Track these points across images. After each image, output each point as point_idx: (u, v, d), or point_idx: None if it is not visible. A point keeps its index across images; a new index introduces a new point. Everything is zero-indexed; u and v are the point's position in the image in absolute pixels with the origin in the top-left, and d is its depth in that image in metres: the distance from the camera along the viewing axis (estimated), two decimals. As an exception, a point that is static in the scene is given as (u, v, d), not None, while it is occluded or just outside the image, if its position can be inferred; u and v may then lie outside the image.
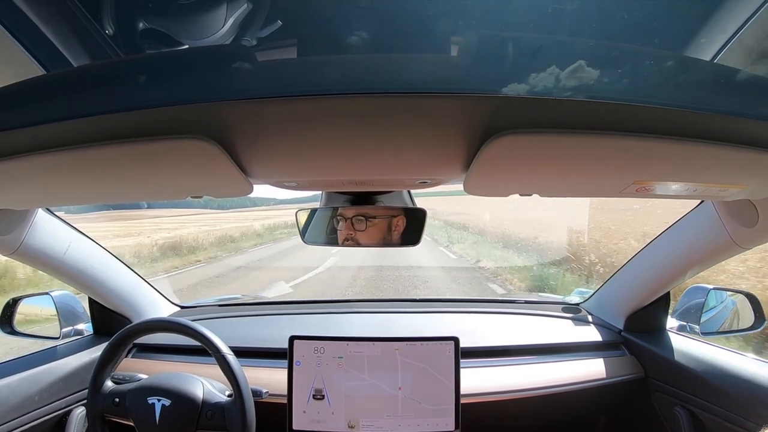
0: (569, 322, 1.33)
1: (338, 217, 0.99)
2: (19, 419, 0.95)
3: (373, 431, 1.01)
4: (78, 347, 1.17)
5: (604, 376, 1.13)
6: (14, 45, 0.35)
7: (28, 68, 0.36)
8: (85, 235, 1.14)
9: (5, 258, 0.97)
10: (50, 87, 0.38)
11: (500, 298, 1.59)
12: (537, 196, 0.65)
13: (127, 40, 0.35)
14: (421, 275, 7.13)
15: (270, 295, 6.00)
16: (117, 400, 0.91)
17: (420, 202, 1.01)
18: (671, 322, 1.21)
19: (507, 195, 0.65)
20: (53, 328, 1.18)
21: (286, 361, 1.04)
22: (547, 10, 0.32)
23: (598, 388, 1.12)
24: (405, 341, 1.03)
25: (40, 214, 0.97)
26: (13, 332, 1.14)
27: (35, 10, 0.34)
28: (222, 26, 0.33)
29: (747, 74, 0.36)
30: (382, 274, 7.25)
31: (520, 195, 0.65)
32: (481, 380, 1.09)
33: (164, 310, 1.42)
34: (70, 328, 1.21)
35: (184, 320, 0.93)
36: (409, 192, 1.01)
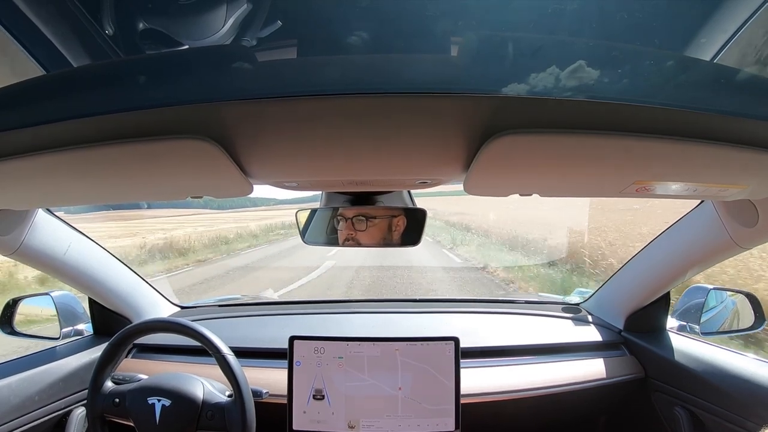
0: (569, 322, 1.33)
1: (338, 218, 0.99)
2: (19, 419, 0.95)
3: (373, 431, 1.01)
4: (78, 347, 1.17)
5: (604, 376, 1.13)
6: (14, 45, 0.35)
7: (28, 68, 0.36)
8: (85, 235, 1.14)
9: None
10: (50, 87, 0.38)
11: (500, 298, 1.59)
12: (537, 196, 0.65)
13: (127, 40, 0.35)
14: (425, 282, 6.63)
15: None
16: (117, 400, 0.91)
17: (420, 203, 1.01)
18: (671, 322, 1.21)
19: (507, 195, 0.65)
20: (53, 329, 1.18)
21: (286, 362, 1.04)
22: (547, 10, 0.32)
23: (598, 388, 1.12)
24: (405, 341, 1.03)
25: (40, 215, 0.97)
26: (13, 332, 1.14)
27: (35, 10, 0.34)
28: (222, 26, 0.33)
29: (747, 74, 0.36)
30: (382, 280, 6.90)
31: (520, 195, 0.65)
32: (481, 380, 1.09)
33: (164, 310, 1.42)
34: (70, 328, 1.21)
35: (184, 320, 0.93)
36: (409, 192, 1.01)
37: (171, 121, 0.41)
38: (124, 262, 1.28)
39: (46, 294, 1.19)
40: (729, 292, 1.18)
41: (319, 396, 1.02)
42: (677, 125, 0.41)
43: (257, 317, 1.39)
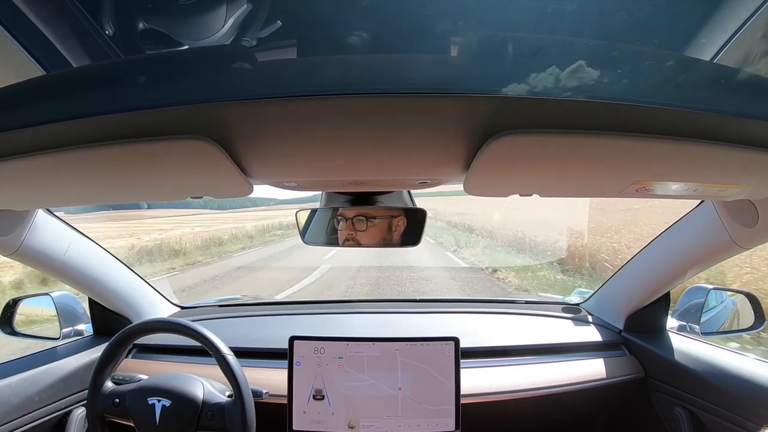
0: (569, 322, 1.33)
1: (338, 218, 0.99)
2: (19, 419, 0.95)
3: (373, 431, 1.01)
4: (78, 348, 1.17)
5: (604, 376, 1.13)
6: (14, 45, 0.35)
7: (28, 68, 0.36)
8: (85, 235, 1.14)
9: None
10: (50, 87, 0.38)
11: (500, 298, 1.59)
12: (537, 196, 0.65)
13: (127, 40, 0.35)
14: (429, 290, 6.11)
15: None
16: (117, 400, 0.91)
17: (419, 203, 1.02)
18: (671, 322, 1.21)
19: (507, 195, 0.65)
20: (53, 329, 1.18)
21: (286, 362, 1.04)
22: (547, 10, 0.32)
23: (598, 388, 1.12)
24: (405, 341, 1.03)
25: (40, 215, 0.97)
26: (13, 333, 1.14)
27: (35, 10, 0.34)
28: (222, 26, 0.33)
29: (747, 74, 0.36)
30: (382, 288, 6.41)
31: (520, 195, 0.65)
32: (481, 380, 1.09)
33: (164, 310, 1.42)
34: (70, 328, 1.21)
35: (184, 321, 0.93)
36: (409, 192, 1.01)
37: (171, 121, 0.41)
38: (124, 262, 1.28)
39: (46, 294, 1.19)
40: (729, 292, 1.18)
41: (319, 396, 1.02)
42: (677, 125, 0.41)
43: (257, 317, 1.39)
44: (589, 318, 1.35)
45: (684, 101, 0.35)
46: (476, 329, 1.26)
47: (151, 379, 0.94)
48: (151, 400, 0.89)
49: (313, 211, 1.04)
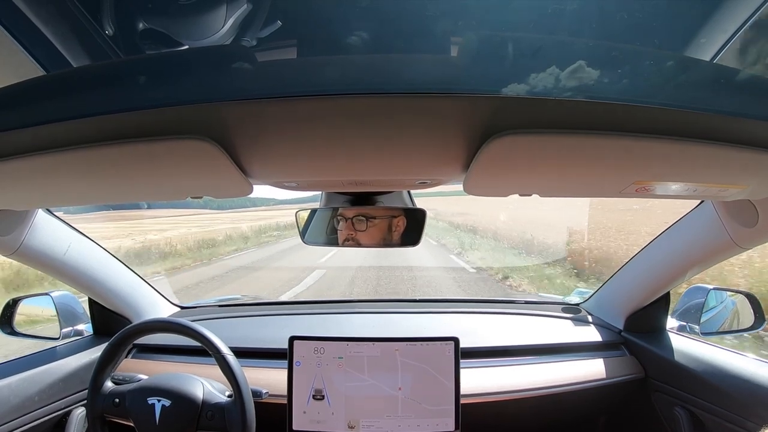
0: (569, 322, 1.33)
1: (338, 218, 0.99)
2: (19, 419, 0.95)
3: (373, 431, 1.01)
4: (78, 348, 1.17)
5: (604, 376, 1.13)
6: (14, 45, 0.35)
7: (28, 68, 0.36)
8: (85, 235, 1.14)
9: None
10: (50, 87, 0.38)
11: (500, 298, 1.59)
12: (536, 196, 0.65)
13: (127, 40, 0.35)
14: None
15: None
16: (117, 400, 0.91)
17: (419, 203, 1.02)
18: (671, 323, 1.21)
19: (507, 195, 0.65)
20: (53, 329, 1.18)
21: (286, 362, 1.03)
22: (547, 11, 0.32)
23: (598, 388, 1.12)
24: (405, 341, 1.03)
25: (40, 215, 0.97)
26: (13, 333, 1.14)
27: (35, 10, 0.34)
28: (222, 26, 0.33)
29: (747, 74, 0.36)
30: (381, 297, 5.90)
31: (520, 195, 0.65)
32: (481, 380, 1.09)
33: (164, 310, 1.42)
34: (70, 328, 1.21)
35: (184, 321, 0.93)
36: (409, 192, 1.01)
37: (171, 121, 0.41)
38: (124, 262, 1.28)
39: (46, 294, 1.19)
40: (729, 293, 1.18)
41: (318, 396, 1.02)
42: (677, 125, 0.41)
43: (257, 317, 1.39)
44: (589, 318, 1.35)
45: (684, 101, 0.35)
46: (476, 329, 1.26)
47: (151, 379, 0.94)
48: (151, 400, 0.89)
49: (313, 211, 1.04)
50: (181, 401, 0.89)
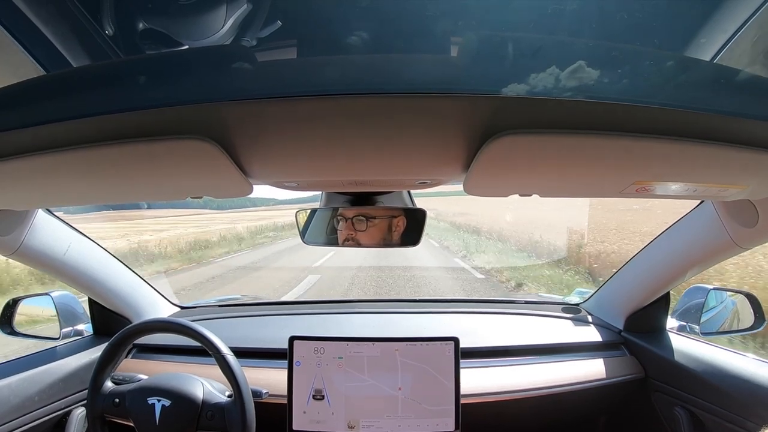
0: (569, 322, 1.33)
1: (338, 218, 0.99)
2: (19, 419, 0.95)
3: (373, 431, 1.01)
4: (78, 348, 1.17)
5: (604, 376, 1.13)
6: (14, 45, 0.35)
7: (28, 68, 0.36)
8: (85, 235, 1.14)
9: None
10: (50, 87, 0.38)
11: (500, 299, 1.59)
12: (537, 196, 0.65)
13: (127, 40, 0.35)
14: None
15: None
16: (117, 400, 0.91)
17: (419, 203, 1.02)
18: (671, 323, 1.21)
19: (507, 195, 0.65)
20: (53, 329, 1.18)
21: (286, 362, 1.03)
22: (547, 11, 0.32)
23: (598, 388, 1.12)
24: (405, 341, 1.03)
25: (40, 215, 0.97)
26: (13, 333, 1.14)
27: (35, 10, 0.34)
28: (222, 26, 0.33)
29: (747, 74, 0.36)
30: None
31: (520, 195, 0.65)
32: (481, 380, 1.09)
33: (164, 310, 1.42)
34: (70, 328, 1.21)
35: (184, 321, 0.93)
36: (409, 192, 1.01)
37: (171, 121, 0.41)
38: (124, 262, 1.28)
39: (46, 294, 1.19)
40: (729, 293, 1.18)
41: (318, 396, 1.02)
42: (677, 125, 0.41)
43: (257, 317, 1.39)
44: (589, 318, 1.35)
45: (684, 101, 0.35)
46: (476, 329, 1.26)
47: (151, 379, 0.94)
48: (151, 400, 0.89)
49: (313, 211, 1.04)
50: (181, 401, 0.89)
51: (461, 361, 1.02)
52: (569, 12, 0.33)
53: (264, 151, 0.50)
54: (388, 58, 0.35)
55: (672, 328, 1.20)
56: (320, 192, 1.00)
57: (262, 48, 0.34)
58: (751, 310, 1.10)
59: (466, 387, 1.03)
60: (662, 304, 1.19)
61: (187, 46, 0.35)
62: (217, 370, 0.90)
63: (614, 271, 1.31)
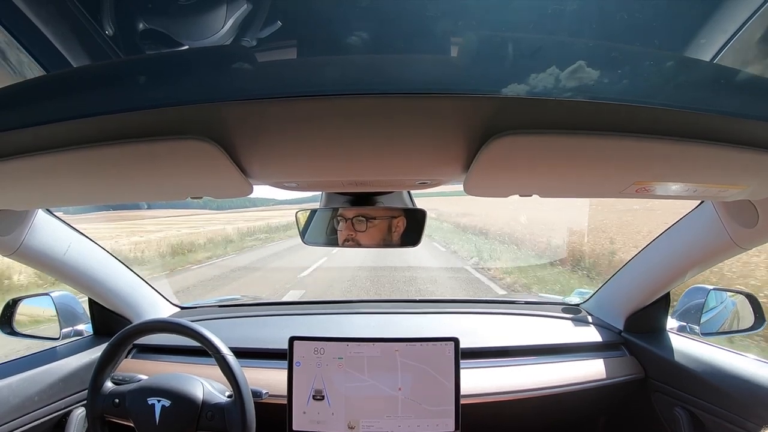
0: (569, 322, 1.33)
1: (338, 218, 0.99)
2: (19, 420, 0.95)
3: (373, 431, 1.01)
4: (78, 348, 1.17)
5: (604, 376, 1.13)
6: (14, 45, 0.35)
7: (28, 68, 0.36)
8: (84, 235, 1.14)
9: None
10: (50, 87, 0.38)
11: (500, 299, 1.59)
12: (537, 196, 0.65)
13: (127, 40, 0.35)
14: None
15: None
16: (117, 400, 0.91)
17: (420, 203, 1.01)
18: (671, 323, 1.21)
19: (507, 195, 0.65)
20: (53, 329, 1.18)
21: (286, 362, 1.03)
22: (547, 11, 0.32)
23: (598, 388, 1.12)
24: (405, 342, 1.03)
25: (40, 215, 0.97)
26: (13, 333, 1.14)
27: (35, 10, 0.34)
28: (222, 27, 0.33)
29: (747, 74, 0.36)
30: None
31: (520, 196, 0.65)
32: (481, 381, 1.09)
33: (164, 310, 1.42)
34: (70, 328, 1.21)
35: (184, 321, 0.93)
36: (409, 193, 1.01)
37: (171, 121, 0.41)
38: (124, 262, 1.28)
39: (46, 294, 1.19)
40: (729, 293, 1.18)
41: (318, 396, 1.02)
42: (677, 126, 0.41)
43: (257, 318, 1.39)
44: (589, 318, 1.34)
45: (684, 102, 0.35)
46: (476, 330, 1.26)
47: (151, 379, 0.94)
48: (151, 401, 0.89)
49: (313, 212, 1.04)
50: (181, 401, 0.89)
51: (461, 361, 1.02)
52: (569, 12, 0.33)
53: (264, 152, 0.50)
54: (388, 58, 0.35)
55: (672, 329, 1.20)
56: (320, 192, 1.00)
57: (262, 48, 0.34)
58: (751, 311, 1.10)
59: (466, 387, 1.03)
60: (662, 304, 1.19)
61: (187, 47, 0.35)
62: (217, 371, 0.90)
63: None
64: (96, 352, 1.16)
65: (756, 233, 0.83)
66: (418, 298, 1.63)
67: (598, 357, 1.18)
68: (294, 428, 1.02)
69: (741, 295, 1.14)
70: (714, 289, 1.15)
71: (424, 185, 0.72)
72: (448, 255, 9.26)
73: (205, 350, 0.91)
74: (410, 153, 0.52)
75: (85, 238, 1.14)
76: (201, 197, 0.65)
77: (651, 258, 1.15)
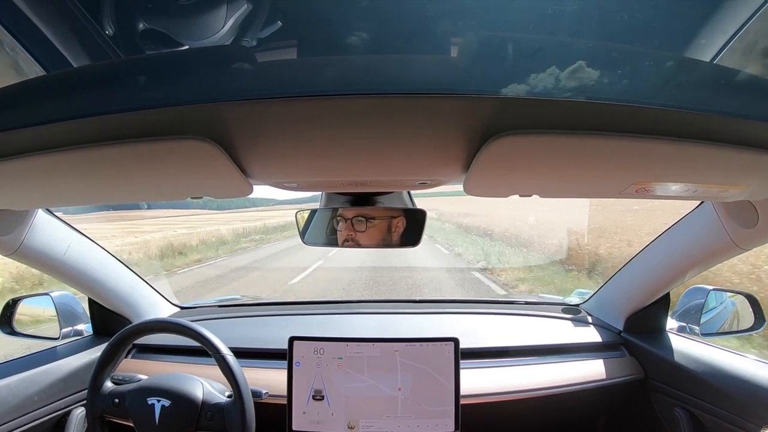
0: (569, 323, 1.33)
1: (338, 218, 0.99)
2: (18, 419, 0.95)
3: (373, 432, 1.01)
4: (78, 348, 1.17)
5: (604, 377, 1.13)
6: (14, 45, 0.35)
7: (28, 68, 0.36)
8: (84, 235, 1.14)
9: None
10: (50, 87, 0.38)
11: (500, 299, 1.59)
12: (536, 196, 0.65)
13: (127, 40, 0.35)
14: None
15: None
16: (117, 400, 0.91)
17: (420, 203, 1.02)
18: (671, 323, 1.21)
19: (507, 196, 0.65)
20: (53, 329, 1.18)
21: (286, 362, 1.03)
22: (547, 11, 0.32)
23: (597, 389, 1.12)
24: (405, 342, 1.03)
25: (40, 215, 0.97)
26: (13, 333, 1.14)
27: (35, 10, 0.34)
28: (222, 27, 0.33)
29: (746, 75, 0.36)
30: None
31: (520, 196, 0.65)
32: (480, 381, 1.09)
33: (164, 310, 1.42)
34: (70, 328, 1.21)
35: (184, 321, 0.93)
36: (408, 193, 1.01)
37: (171, 121, 0.41)
38: (124, 262, 1.28)
39: (46, 294, 1.19)
40: (729, 293, 1.18)
41: (318, 396, 1.02)
42: (677, 126, 0.41)
43: (257, 318, 1.39)
44: (589, 319, 1.34)
45: (684, 102, 0.35)
46: (476, 330, 1.26)
47: (151, 379, 0.94)
48: (151, 401, 0.89)
49: (313, 212, 1.04)
50: (181, 401, 0.89)
51: (461, 361, 1.02)
52: (569, 12, 0.33)
53: (264, 152, 0.50)
54: (389, 58, 0.35)
55: (672, 329, 1.20)
56: (320, 192, 1.00)
57: (262, 48, 0.34)
58: (751, 311, 1.10)
59: (465, 387, 1.03)
60: (662, 304, 1.19)
61: (187, 47, 0.35)
62: (216, 371, 0.90)
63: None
64: (96, 352, 1.16)
65: (756, 234, 0.83)
66: (417, 299, 1.63)
67: (598, 357, 1.18)
68: (294, 428, 1.02)
69: (741, 296, 1.14)
70: (714, 289, 1.14)
71: (424, 185, 0.72)
72: (453, 258, 8.73)
73: (205, 350, 0.91)
74: (410, 153, 0.52)
75: (85, 238, 1.14)
76: (201, 197, 0.65)
77: (651, 258, 1.15)
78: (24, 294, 1.22)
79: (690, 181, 0.55)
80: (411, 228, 0.99)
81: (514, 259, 7.80)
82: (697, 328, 1.12)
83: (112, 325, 1.22)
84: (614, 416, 1.27)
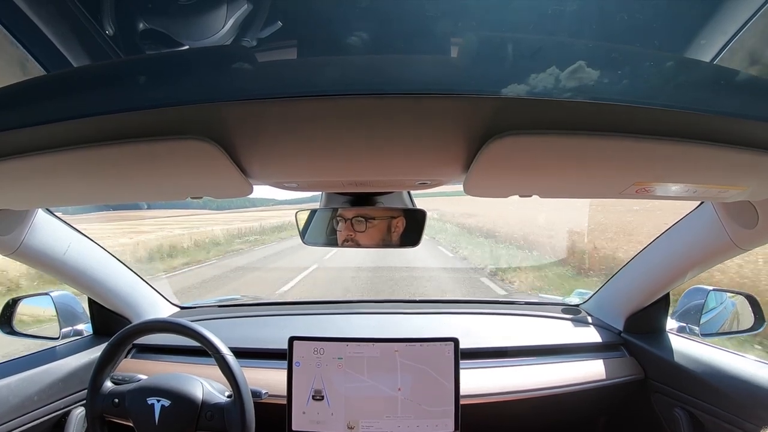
0: (569, 323, 1.33)
1: (338, 218, 0.99)
2: (18, 419, 0.95)
3: (373, 432, 1.01)
4: (77, 348, 1.17)
5: (604, 377, 1.13)
6: (14, 45, 0.35)
7: (28, 68, 0.36)
8: (84, 235, 1.14)
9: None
10: (50, 87, 0.38)
11: (500, 299, 1.58)
12: (537, 197, 0.65)
13: (127, 40, 0.35)
14: None
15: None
16: (116, 400, 0.91)
17: (420, 203, 1.02)
18: (671, 324, 1.21)
19: (507, 196, 0.65)
20: (53, 329, 1.18)
21: (286, 362, 1.03)
22: (547, 11, 0.32)
23: (597, 389, 1.12)
24: (405, 342, 1.03)
25: (40, 215, 0.97)
26: (13, 332, 1.14)
27: (35, 10, 0.34)
28: (222, 27, 0.33)
29: (747, 75, 0.36)
30: None
31: (520, 196, 0.65)
32: (480, 381, 1.09)
33: (164, 310, 1.42)
34: (70, 328, 1.21)
35: (184, 321, 0.93)
36: (408, 193, 1.01)
37: (171, 121, 0.41)
38: (124, 262, 1.28)
39: (46, 294, 1.19)
40: (729, 294, 1.18)
41: (318, 397, 1.02)
42: (677, 126, 0.41)
43: (257, 318, 1.39)
44: (589, 319, 1.34)
45: (684, 102, 0.35)
46: (476, 330, 1.26)
47: (151, 379, 0.94)
48: (151, 400, 0.89)
49: (313, 212, 1.04)
50: (181, 401, 0.89)
51: (461, 361, 1.02)
52: (569, 13, 0.33)
53: (264, 152, 0.50)
54: (388, 58, 0.35)
55: (672, 329, 1.20)
56: (320, 192, 1.00)
57: (262, 48, 0.34)
58: (751, 312, 1.10)
59: (465, 388, 1.03)
60: (662, 305, 1.19)
61: (187, 47, 0.35)
62: (216, 371, 0.90)
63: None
64: (95, 352, 1.16)
65: (756, 234, 0.83)
66: (417, 298, 1.63)
67: (598, 357, 1.18)
68: (293, 428, 1.02)
69: (741, 296, 1.14)
70: (714, 289, 1.14)
71: (424, 185, 0.72)
72: (458, 263, 8.15)
73: (204, 350, 0.91)
74: (410, 153, 0.52)
75: (85, 238, 1.14)
76: (201, 197, 0.65)
77: (651, 259, 1.15)
78: (31, 292, 1.22)
79: (690, 182, 0.55)
80: (411, 228, 0.99)
81: (525, 265, 7.30)
82: (697, 328, 1.12)
83: (111, 325, 1.22)
84: (614, 416, 1.27)
